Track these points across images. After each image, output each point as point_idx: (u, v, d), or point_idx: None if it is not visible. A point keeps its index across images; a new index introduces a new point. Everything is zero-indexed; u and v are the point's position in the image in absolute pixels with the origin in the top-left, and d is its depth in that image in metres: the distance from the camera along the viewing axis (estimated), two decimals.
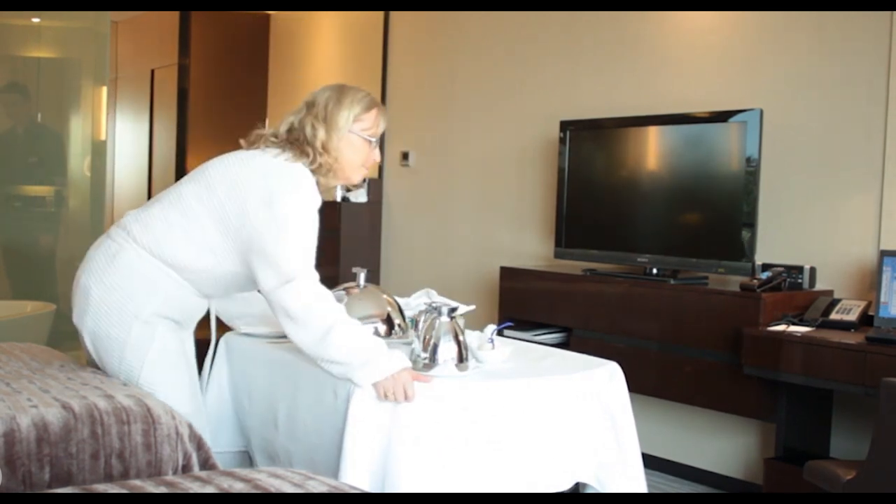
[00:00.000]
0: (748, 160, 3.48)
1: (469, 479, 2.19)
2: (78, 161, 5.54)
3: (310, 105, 2.45)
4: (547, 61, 4.55)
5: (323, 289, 2.30)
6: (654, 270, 3.79)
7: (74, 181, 5.58)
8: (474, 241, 4.95)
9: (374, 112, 2.46)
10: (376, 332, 2.59)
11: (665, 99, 4.00)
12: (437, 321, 2.28)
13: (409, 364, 2.21)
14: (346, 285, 2.75)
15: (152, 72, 6.87)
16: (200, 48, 6.33)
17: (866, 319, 3.22)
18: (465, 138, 5.00)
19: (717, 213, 3.63)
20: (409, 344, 2.47)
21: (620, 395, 2.46)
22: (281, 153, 2.37)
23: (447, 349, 2.24)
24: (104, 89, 5.50)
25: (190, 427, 2.10)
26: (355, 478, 2.13)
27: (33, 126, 5.42)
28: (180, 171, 6.07)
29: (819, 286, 3.50)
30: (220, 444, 2.64)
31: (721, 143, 3.65)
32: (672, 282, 3.64)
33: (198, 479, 1.70)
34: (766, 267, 3.50)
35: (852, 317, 3.20)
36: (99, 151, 5.42)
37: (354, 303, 2.63)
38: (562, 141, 4.17)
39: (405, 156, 5.33)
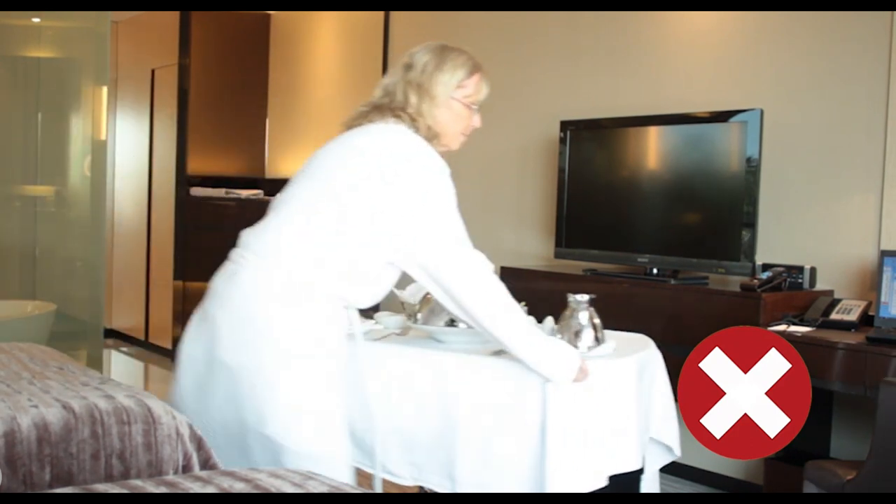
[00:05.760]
0: (748, 160, 3.48)
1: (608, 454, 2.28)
2: (78, 161, 5.54)
3: (407, 67, 2.25)
4: (547, 61, 4.55)
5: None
6: (654, 270, 3.79)
7: (74, 181, 5.58)
8: (474, 241, 4.92)
9: (476, 77, 2.27)
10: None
11: (665, 99, 4.00)
12: (577, 312, 2.48)
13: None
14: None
15: (152, 72, 6.87)
16: (200, 48, 6.33)
17: (866, 319, 3.22)
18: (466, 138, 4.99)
19: (717, 213, 3.63)
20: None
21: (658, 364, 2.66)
22: (395, 125, 2.20)
23: (587, 335, 2.45)
24: (104, 89, 5.49)
25: (190, 427, 2.10)
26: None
27: None
28: (180, 171, 6.07)
29: (819, 286, 3.50)
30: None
31: (721, 143, 3.65)
32: (672, 282, 3.64)
33: (198, 479, 1.70)
34: (766, 267, 3.50)
35: (852, 317, 3.20)
36: (99, 151, 5.41)
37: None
38: (562, 141, 4.17)
39: None
